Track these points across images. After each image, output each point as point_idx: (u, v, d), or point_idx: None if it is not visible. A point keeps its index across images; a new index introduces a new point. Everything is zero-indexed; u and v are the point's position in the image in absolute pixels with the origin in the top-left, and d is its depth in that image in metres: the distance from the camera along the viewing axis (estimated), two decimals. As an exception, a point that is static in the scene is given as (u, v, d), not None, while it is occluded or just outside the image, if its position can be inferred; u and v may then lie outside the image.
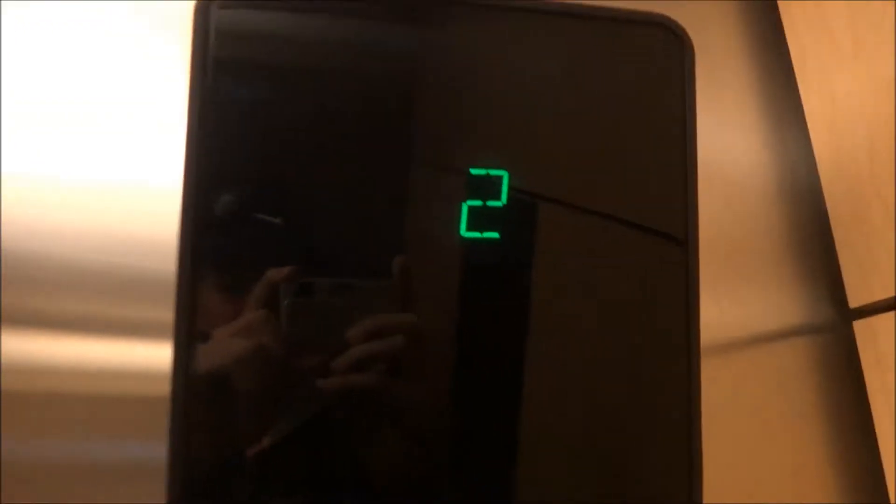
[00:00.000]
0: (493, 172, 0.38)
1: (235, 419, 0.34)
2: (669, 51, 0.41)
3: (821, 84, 0.54)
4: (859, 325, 0.51)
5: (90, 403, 0.43)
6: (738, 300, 0.54)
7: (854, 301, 0.52)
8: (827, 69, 0.53)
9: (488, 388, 0.37)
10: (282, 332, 0.34)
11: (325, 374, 0.34)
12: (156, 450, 0.39)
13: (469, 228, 0.37)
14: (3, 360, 0.42)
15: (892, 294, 0.48)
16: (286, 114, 0.37)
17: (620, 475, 0.39)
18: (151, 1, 0.48)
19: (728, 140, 0.57)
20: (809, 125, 0.55)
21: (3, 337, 0.42)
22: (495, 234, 0.37)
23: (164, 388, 0.41)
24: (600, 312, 0.39)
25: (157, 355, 0.44)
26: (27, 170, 0.45)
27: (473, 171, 0.37)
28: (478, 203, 0.37)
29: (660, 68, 0.41)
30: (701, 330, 0.44)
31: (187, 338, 0.34)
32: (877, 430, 0.49)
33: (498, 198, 0.38)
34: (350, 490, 0.35)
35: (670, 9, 0.56)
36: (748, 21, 0.59)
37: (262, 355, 0.33)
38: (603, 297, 0.39)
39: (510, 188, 0.37)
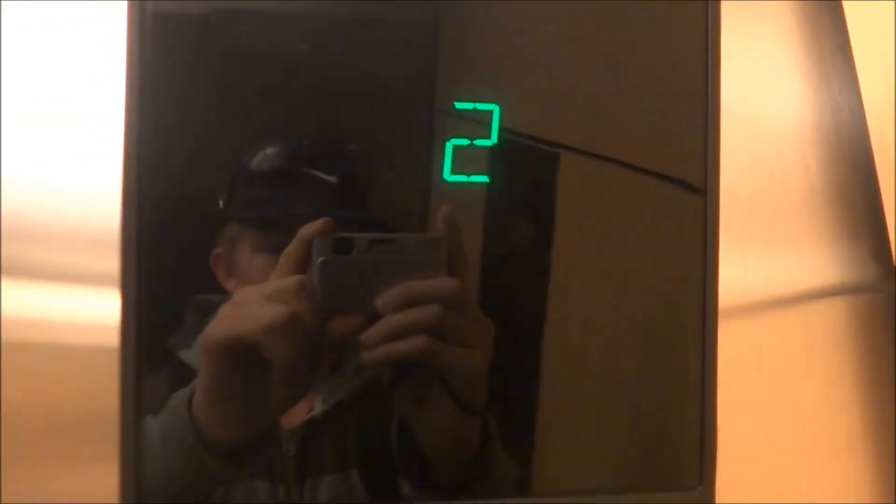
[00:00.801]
0: (482, 107, 0.33)
1: (266, 390, 0.31)
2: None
3: (869, 13, 0.49)
4: (904, 284, 0.47)
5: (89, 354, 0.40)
6: (768, 258, 0.50)
7: (901, 258, 0.47)
8: (875, 8, 0.48)
9: (509, 346, 0.34)
10: (316, 294, 0.31)
11: (365, 343, 0.31)
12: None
13: (453, 171, 0.33)
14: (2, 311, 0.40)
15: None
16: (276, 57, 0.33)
17: (631, 459, 0.37)
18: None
19: (762, 78, 0.52)
20: (856, 59, 0.50)
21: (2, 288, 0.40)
22: (484, 178, 0.33)
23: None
24: (614, 266, 0.36)
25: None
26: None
27: (458, 106, 0.33)
28: (464, 142, 0.33)
29: (683, 13, 0.37)
30: (724, 290, 0.41)
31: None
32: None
33: (487, 136, 0.33)
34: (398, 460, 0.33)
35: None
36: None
37: (296, 323, 0.30)
38: (616, 250, 0.36)
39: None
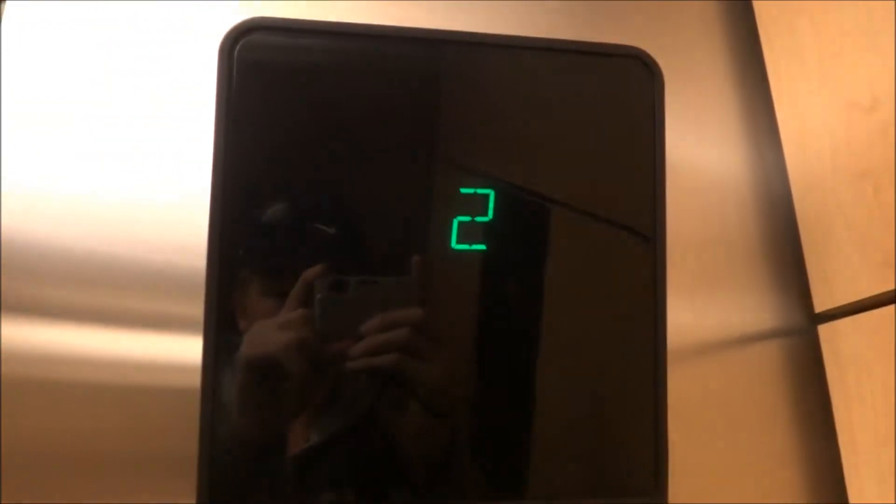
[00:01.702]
0: (482, 191, 0.42)
1: (278, 397, 0.40)
2: (642, 80, 0.45)
3: (792, 103, 0.58)
4: (824, 329, 0.55)
5: (95, 392, 0.46)
6: (713, 303, 0.57)
7: (819, 305, 0.55)
8: (798, 89, 0.57)
9: (482, 370, 0.42)
10: (316, 323, 0.40)
11: (351, 357, 0.40)
12: (166, 442, 0.45)
13: (459, 241, 0.42)
14: (3, 348, 0.45)
15: (853, 299, 0.52)
16: (307, 133, 0.42)
17: (591, 467, 0.43)
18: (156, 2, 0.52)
19: (708, 153, 0.61)
20: (783, 140, 0.59)
21: (3, 325, 0.45)
22: (482, 246, 0.42)
23: (175, 379, 0.46)
24: (575, 307, 0.44)
25: (163, 347, 0.47)
26: (28, 165, 0.47)
27: (463, 191, 0.42)
28: (466, 218, 0.42)
29: (634, 95, 0.46)
30: (676, 332, 0.48)
31: (216, 336, 0.39)
32: (837, 430, 0.53)
33: (485, 213, 0.42)
34: (386, 473, 0.41)
35: (655, 33, 0.60)
36: (730, 46, 0.63)
37: (304, 344, 0.39)
38: (578, 291, 0.44)
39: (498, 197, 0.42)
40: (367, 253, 0.41)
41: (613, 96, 0.45)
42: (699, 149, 0.61)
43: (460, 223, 0.42)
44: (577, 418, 0.43)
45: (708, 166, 0.61)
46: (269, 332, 0.40)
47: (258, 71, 0.40)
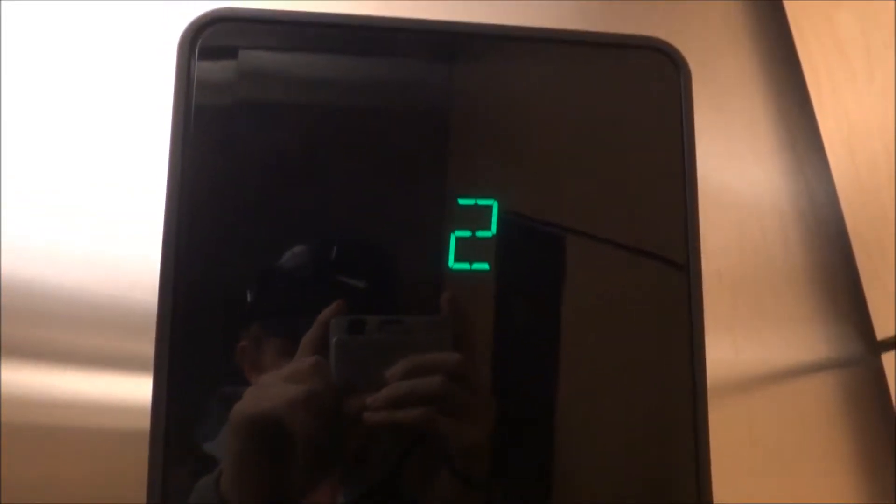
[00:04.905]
0: (482, 202, 0.36)
1: (290, 467, 0.32)
2: (666, 74, 0.40)
3: (836, 106, 0.52)
4: (888, 357, 0.48)
5: (92, 436, 0.42)
6: (755, 335, 0.51)
7: (882, 332, 0.49)
8: (841, 91, 0.51)
9: (516, 427, 0.36)
10: (332, 372, 0.33)
11: (369, 408, 0.33)
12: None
13: (458, 259, 0.36)
14: (2, 392, 0.41)
15: (922, 324, 0.45)
16: (279, 150, 0.36)
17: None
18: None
19: (743, 168, 0.56)
20: (827, 148, 0.53)
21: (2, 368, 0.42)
22: (485, 266, 0.36)
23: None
24: (603, 342, 0.38)
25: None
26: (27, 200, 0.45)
27: (461, 202, 0.36)
28: (466, 234, 0.36)
29: (658, 92, 0.40)
30: (715, 368, 0.42)
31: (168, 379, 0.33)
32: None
33: (488, 227, 0.36)
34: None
35: (676, 35, 0.55)
36: (761, 47, 0.58)
37: (315, 399, 0.32)
38: (604, 327, 0.38)
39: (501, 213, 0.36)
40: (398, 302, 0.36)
41: (635, 95, 0.40)
42: (731, 163, 0.55)
43: (458, 239, 0.36)
44: (614, 468, 0.37)
45: (741, 183, 0.55)
46: (274, 386, 0.33)
47: (222, 68, 0.35)
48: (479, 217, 0.36)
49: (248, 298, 0.34)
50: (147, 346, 0.40)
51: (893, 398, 0.48)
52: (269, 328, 0.34)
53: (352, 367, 0.33)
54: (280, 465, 0.32)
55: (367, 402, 0.33)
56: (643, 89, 0.40)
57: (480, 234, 0.36)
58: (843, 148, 0.52)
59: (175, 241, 0.34)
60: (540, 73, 0.39)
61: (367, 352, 0.33)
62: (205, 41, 0.34)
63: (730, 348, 0.50)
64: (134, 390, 0.42)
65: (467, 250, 0.36)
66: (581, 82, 0.39)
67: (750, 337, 0.51)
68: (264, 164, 0.36)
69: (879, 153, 0.49)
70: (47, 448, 0.41)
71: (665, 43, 0.40)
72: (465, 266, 0.36)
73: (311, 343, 0.33)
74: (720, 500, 0.39)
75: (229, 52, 0.35)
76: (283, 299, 0.35)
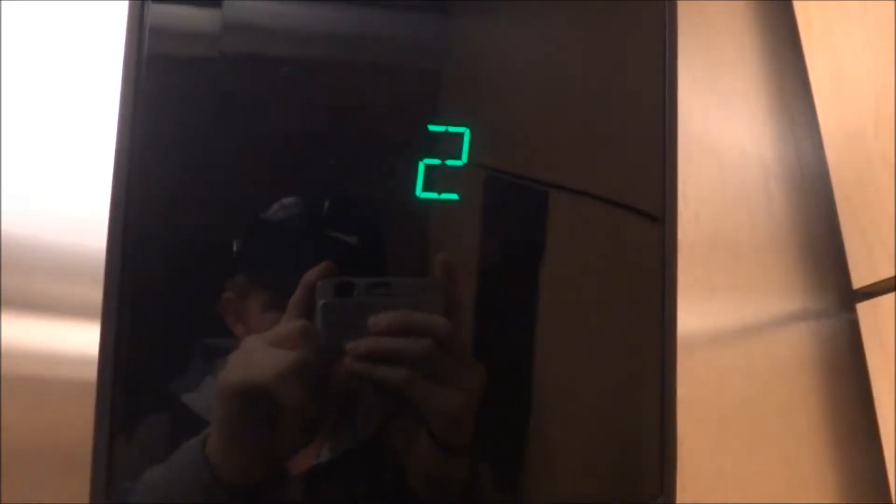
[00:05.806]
0: (454, 129, 0.35)
1: (278, 433, 0.32)
2: (650, 13, 0.38)
3: (826, 50, 0.51)
4: (863, 308, 0.48)
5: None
6: (733, 285, 0.51)
7: (858, 281, 0.48)
8: (832, 33, 0.50)
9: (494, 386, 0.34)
10: (319, 335, 0.32)
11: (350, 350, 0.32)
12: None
13: (425, 189, 0.35)
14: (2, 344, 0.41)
15: (898, 272, 0.45)
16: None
17: (598, 471, 0.37)
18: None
19: (730, 118, 0.54)
20: (815, 94, 0.52)
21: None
22: (454, 196, 0.35)
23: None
24: (575, 293, 0.36)
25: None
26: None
27: (431, 128, 0.35)
28: (436, 161, 0.35)
29: (642, 25, 0.38)
30: (690, 320, 0.41)
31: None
32: (879, 423, 0.46)
33: (458, 156, 0.35)
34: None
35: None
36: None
37: (303, 367, 0.31)
38: (579, 277, 0.37)
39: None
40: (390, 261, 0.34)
41: (619, 30, 0.38)
42: (718, 113, 0.54)
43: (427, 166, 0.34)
44: (584, 421, 0.36)
45: (727, 133, 0.54)
46: (259, 352, 0.32)
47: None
48: (450, 145, 0.35)
49: (234, 249, 0.33)
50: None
51: (865, 348, 0.48)
52: (255, 281, 0.33)
53: (339, 330, 0.32)
54: (267, 430, 0.32)
55: (348, 347, 0.32)
56: (627, 22, 0.38)
57: (450, 162, 0.35)
58: (830, 92, 0.51)
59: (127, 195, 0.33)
60: (520, 8, 0.37)
61: (356, 314, 0.32)
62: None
63: (705, 297, 0.50)
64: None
65: (436, 179, 0.35)
66: (564, 17, 0.38)
67: (727, 287, 0.51)
68: (235, 114, 0.34)
69: (867, 98, 0.48)
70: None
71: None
72: (433, 195, 0.34)
73: (297, 305, 0.32)
74: (690, 447, 0.39)
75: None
76: (270, 252, 0.34)
